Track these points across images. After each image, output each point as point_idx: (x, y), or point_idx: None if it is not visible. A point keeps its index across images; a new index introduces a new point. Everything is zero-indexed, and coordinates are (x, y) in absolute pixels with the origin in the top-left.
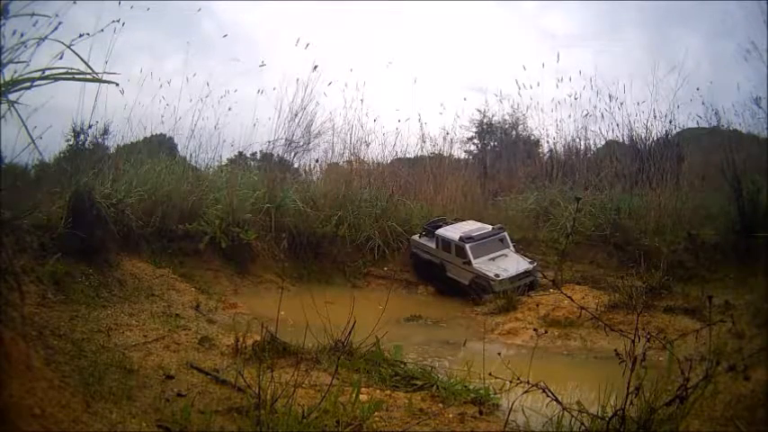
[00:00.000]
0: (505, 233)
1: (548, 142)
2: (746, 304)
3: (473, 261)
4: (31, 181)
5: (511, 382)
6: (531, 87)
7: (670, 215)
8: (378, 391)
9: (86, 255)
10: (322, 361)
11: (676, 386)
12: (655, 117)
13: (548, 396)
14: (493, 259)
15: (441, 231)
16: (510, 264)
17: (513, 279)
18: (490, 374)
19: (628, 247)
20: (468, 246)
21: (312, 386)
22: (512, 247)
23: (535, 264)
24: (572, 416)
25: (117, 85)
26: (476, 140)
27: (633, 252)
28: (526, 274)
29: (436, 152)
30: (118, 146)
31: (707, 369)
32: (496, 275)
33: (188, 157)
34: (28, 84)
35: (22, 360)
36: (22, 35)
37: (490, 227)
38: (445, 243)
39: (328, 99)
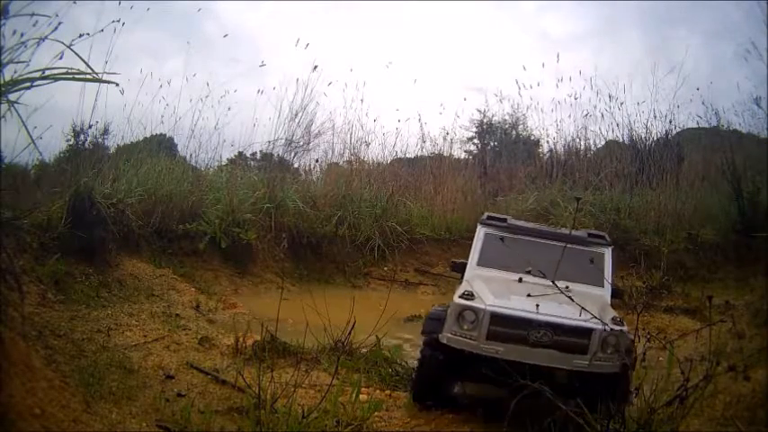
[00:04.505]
0: (607, 249)
1: (548, 142)
2: (746, 304)
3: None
4: (31, 181)
5: None
6: (531, 87)
7: (670, 215)
8: (378, 391)
9: (86, 255)
10: (322, 361)
11: (676, 386)
12: (655, 117)
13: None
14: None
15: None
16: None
17: (522, 327)
18: None
19: (628, 247)
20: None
21: (312, 386)
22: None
23: (624, 328)
24: (572, 416)
25: (117, 85)
26: (476, 140)
27: (633, 252)
28: (576, 332)
29: (436, 152)
30: (118, 146)
31: (707, 369)
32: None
33: (188, 157)
34: (28, 84)
35: (22, 360)
36: (22, 35)
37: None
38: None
39: (328, 99)
